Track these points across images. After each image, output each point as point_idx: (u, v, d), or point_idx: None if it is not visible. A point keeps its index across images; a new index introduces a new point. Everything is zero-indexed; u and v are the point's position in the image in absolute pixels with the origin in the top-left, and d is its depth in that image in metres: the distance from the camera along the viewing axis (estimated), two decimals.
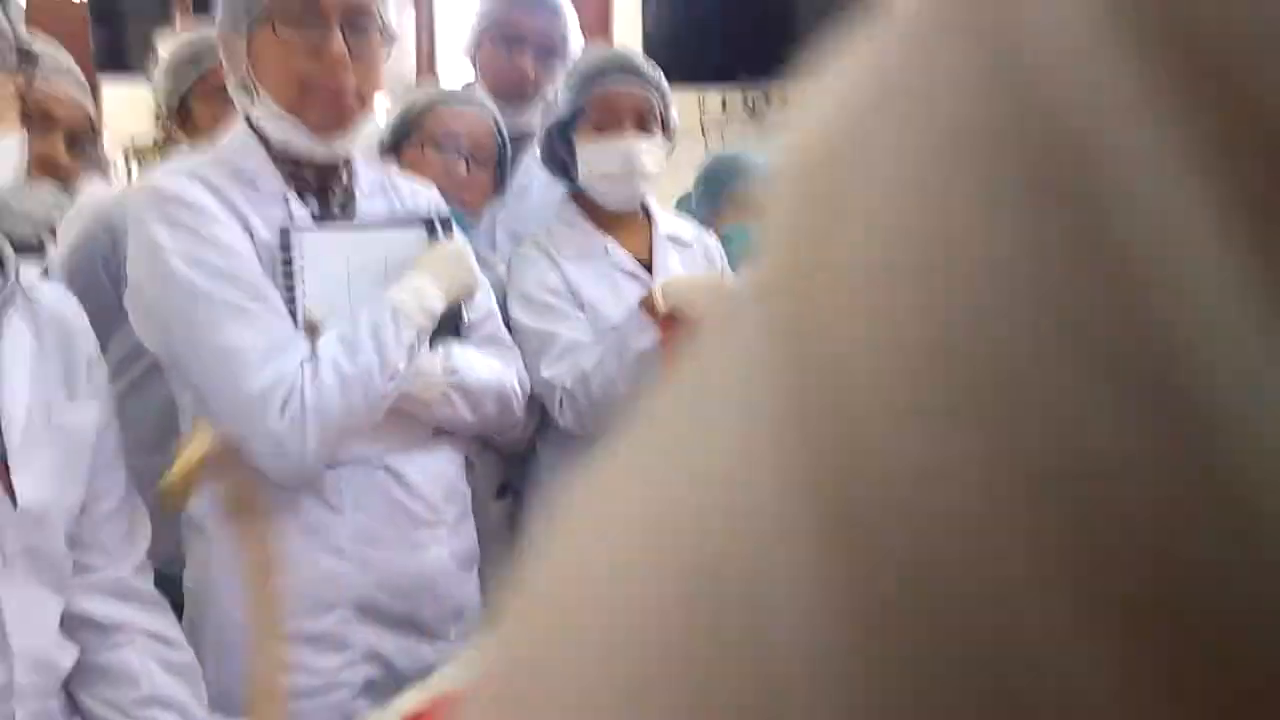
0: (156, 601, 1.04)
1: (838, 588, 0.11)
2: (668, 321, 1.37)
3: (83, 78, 1.43)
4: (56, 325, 0.97)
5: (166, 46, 1.65)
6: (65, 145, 1.39)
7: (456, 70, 4.24)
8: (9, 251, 0.94)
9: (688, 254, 1.63)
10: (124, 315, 1.19)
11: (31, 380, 0.92)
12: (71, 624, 0.96)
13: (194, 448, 0.49)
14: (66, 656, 0.95)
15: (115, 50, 3.69)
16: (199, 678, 1.06)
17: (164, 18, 3.63)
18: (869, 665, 0.10)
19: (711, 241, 1.70)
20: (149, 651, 1.01)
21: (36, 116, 1.28)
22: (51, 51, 1.40)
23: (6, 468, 0.88)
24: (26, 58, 0.89)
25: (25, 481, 0.89)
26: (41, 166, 1.33)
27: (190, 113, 1.66)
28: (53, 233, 1.34)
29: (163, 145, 2.25)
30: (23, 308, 0.93)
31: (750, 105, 3.96)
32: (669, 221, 1.66)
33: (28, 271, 0.97)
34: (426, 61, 4.14)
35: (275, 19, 1.12)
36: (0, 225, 0.97)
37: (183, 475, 0.50)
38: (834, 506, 0.11)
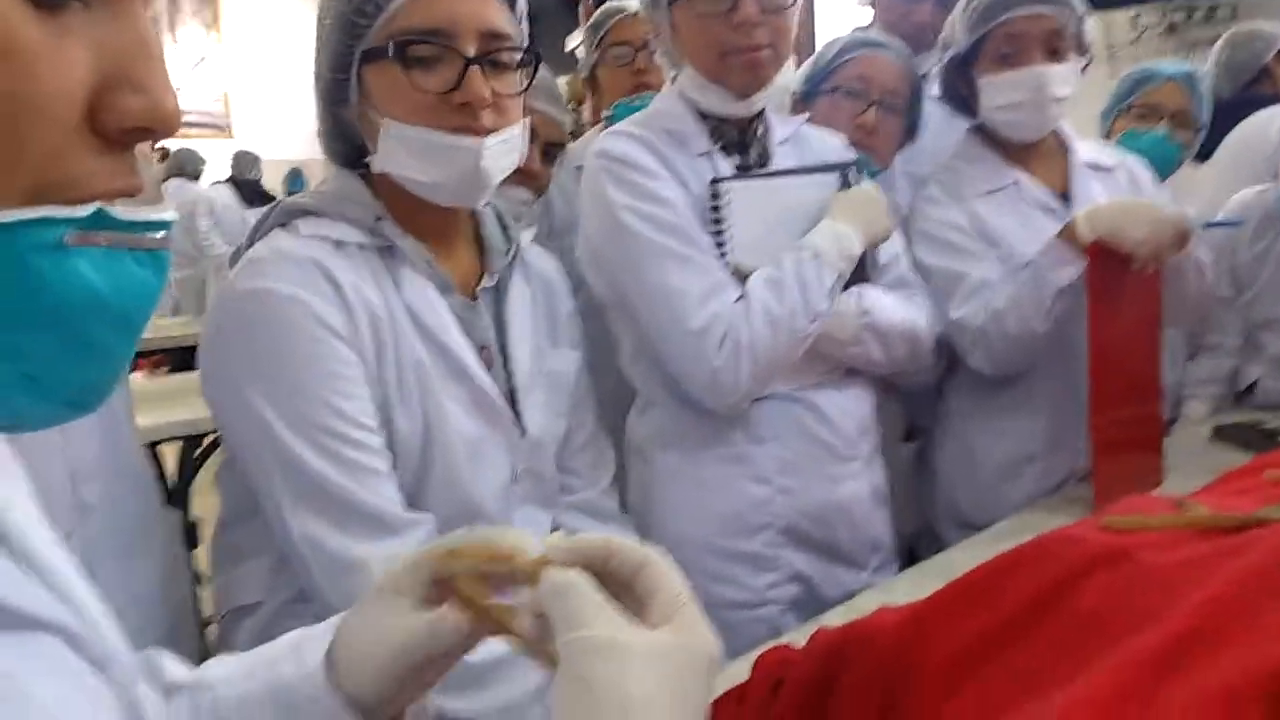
0: (620, 518, 1.18)
1: None
2: (1094, 251, 1.29)
3: (559, 94, 1.59)
4: (543, 282, 1.13)
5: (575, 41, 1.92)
6: (540, 156, 1.53)
7: (834, 18, 4.18)
8: (512, 222, 1.10)
9: (1109, 179, 1.52)
10: None
11: (529, 329, 1.07)
12: None
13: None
14: None
15: None
16: None
17: (572, 20, 3.90)
18: None
19: (1136, 166, 1.58)
20: None
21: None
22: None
23: (514, 402, 1.04)
24: (530, 54, 0.96)
25: (530, 414, 1.05)
26: (519, 174, 1.45)
27: (597, 79, 1.92)
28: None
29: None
30: (520, 269, 1.09)
31: (1168, 24, 3.54)
32: (1087, 148, 1.56)
33: (523, 237, 1.12)
34: (805, 11, 4.15)
35: None
36: (494, 205, 1.11)
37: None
38: None
